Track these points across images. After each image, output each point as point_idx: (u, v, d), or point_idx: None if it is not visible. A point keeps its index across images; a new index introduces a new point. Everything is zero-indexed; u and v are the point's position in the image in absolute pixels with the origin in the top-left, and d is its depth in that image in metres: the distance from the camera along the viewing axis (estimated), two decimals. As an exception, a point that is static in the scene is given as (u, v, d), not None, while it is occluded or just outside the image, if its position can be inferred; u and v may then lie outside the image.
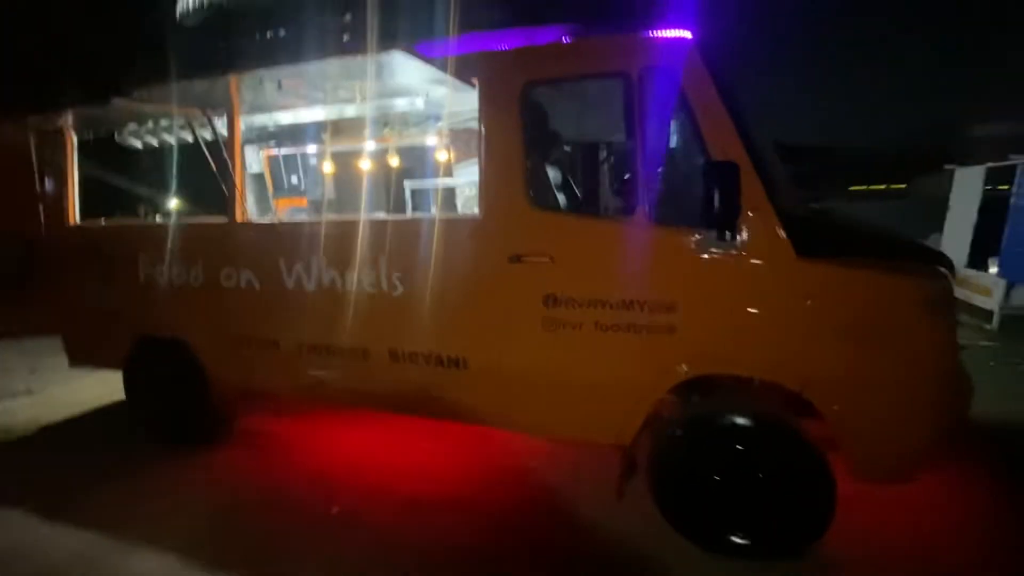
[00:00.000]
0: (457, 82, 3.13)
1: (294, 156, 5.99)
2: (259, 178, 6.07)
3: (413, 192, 5.51)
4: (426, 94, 3.83)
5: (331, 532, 3.14)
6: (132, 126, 4.32)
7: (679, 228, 2.65)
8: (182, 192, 6.29)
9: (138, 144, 4.47)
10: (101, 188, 4.86)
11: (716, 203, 2.38)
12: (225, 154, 3.65)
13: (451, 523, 3.19)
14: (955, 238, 8.34)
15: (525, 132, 2.89)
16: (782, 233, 2.48)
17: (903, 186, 21.27)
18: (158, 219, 4.46)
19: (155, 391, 4.24)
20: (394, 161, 5.56)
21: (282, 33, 3.49)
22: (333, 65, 2.92)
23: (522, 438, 4.12)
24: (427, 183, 5.36)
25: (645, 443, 2.91)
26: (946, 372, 2.47)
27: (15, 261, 4.58)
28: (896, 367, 2.42)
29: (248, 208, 5.96)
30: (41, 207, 4.55)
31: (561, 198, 3.11)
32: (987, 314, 7.22)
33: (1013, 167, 7.00)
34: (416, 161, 5.73)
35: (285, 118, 4.48)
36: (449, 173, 5.36)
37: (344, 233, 3.37)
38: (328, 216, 3.50)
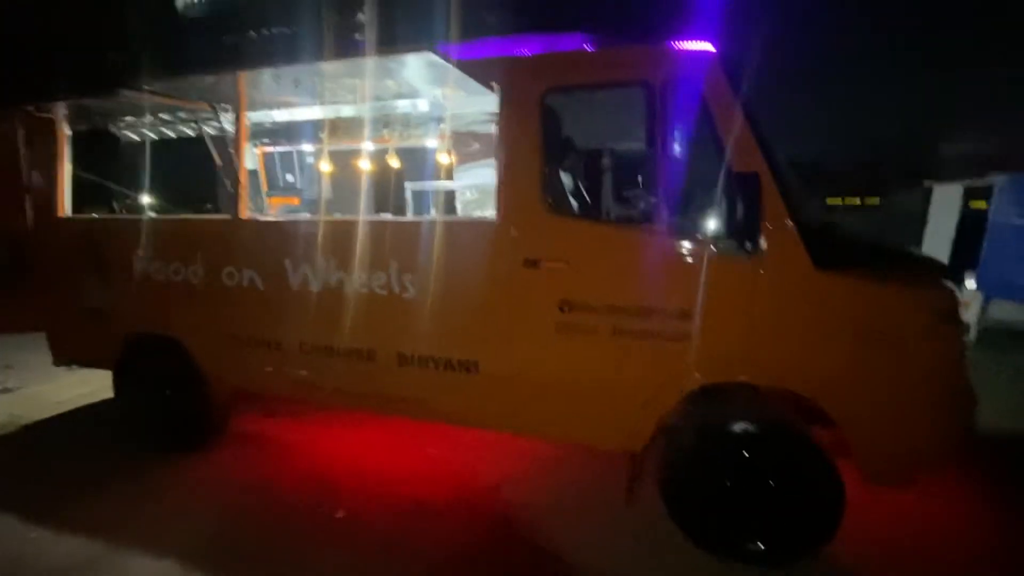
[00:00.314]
0: (472, 85, 3.13)
1: (290, 154, 5.91)
2: (253, 175, 5.97)
3: (414, 194, 5.47)
4: (433, 96, 3.82)
5: (334, 536, 3.09)
6: (129, 119, 4.21)
7: (697, 237, 2.69)
8: (167, 188, 6.17)
9: (135, 137, 4.36)
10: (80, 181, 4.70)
11: (738, 213, 2.41)
12: (230, 149, 3.58)
13: (455, 528, 3.16)
14: (934, 252, 8.60)
15: (544, 137, 2.90)
16: (801, 244, 2.53)
17: (877, 200, 21.86)
18: (154, 214, 4.34)
19: (147, 391, 4.12)
20: (394, 162, 5.52)
21: (289, 30, 3.45)
22: (356, 64, 2.89)
23: (526, 442, 4.12)
24: (428, 185, 5.33)
25: (656, 450, 2.93)
26: (955, 380, 2.55)
27: (1, 255, 4.41)
28: (908, 376, 2.49)
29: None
30: (28, 200, 4.40)
31: (579, 204, 3.12)
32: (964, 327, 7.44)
33: (991, 185, 7.26)
34: (415, 163, 5.70)
35: (284, 115, 4.42)
36: (450, 176, 5.34)
37: (354, 233, 3.33)
38: (338, 215, 3.44)
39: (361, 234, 3.30)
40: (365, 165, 5.24)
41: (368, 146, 5.27)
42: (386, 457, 4.05)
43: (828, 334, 2.56)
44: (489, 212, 5.20)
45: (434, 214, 5.32)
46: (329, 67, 3.00)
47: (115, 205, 4.79)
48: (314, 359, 3.53)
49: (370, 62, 2.90)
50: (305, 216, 3.68)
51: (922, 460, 2.59)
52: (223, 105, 3.62)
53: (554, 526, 3.16)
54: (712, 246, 2.64)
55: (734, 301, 2.65)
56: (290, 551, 2.97)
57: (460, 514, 3.30)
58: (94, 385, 5.72)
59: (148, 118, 4.18)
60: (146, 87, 3.27)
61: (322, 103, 4.01)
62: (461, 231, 3.16)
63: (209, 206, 5.73)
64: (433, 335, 3.22)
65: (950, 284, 2.65)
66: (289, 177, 5.88)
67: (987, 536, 3.04)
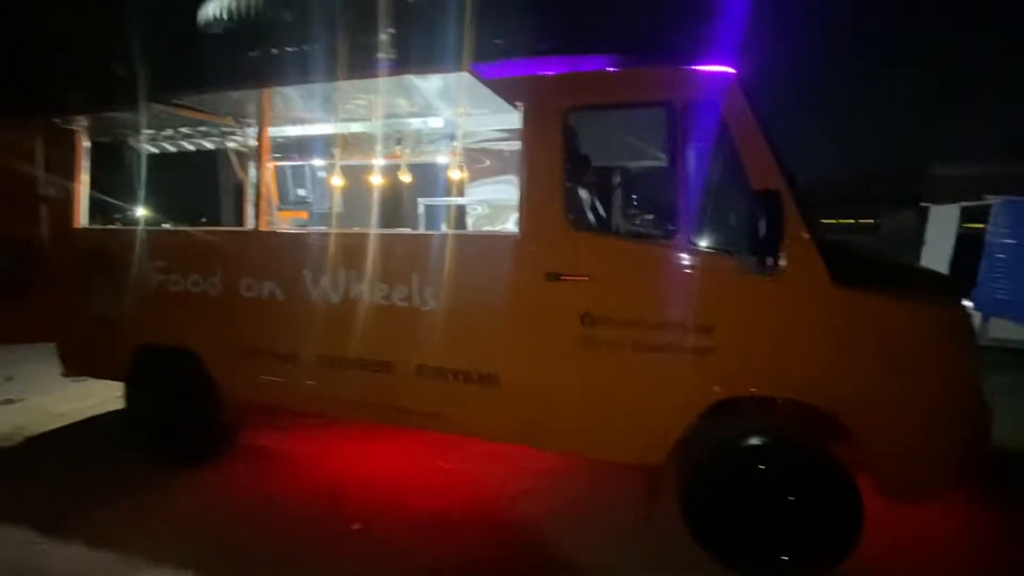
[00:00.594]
0: (485, 104, 3.20)
1: (301, 168, 5.97)
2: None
3: (426, 209, 5.53)
4: (447, 114, 3.89)
5: (350, 548, 3.08)
6: (150, 132, 4.26)
7: (718, 253, 2.75)
8: (162, 200, 6.20)
9: (154, 150, 4.40)
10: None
11: (760, 230, 2.47)
12: (248, 163, 3.63)
13: (471, 542, 3.17)
14: (931, 272, 8.72)
15: (566, 155, 2.97)
16: (820, 261, 2.59)
17: (872, 221, 22.15)
18: (172, 226, 4.38)
19: (159, 402, 4.11)
20: (405, 177, 5.59)
21: (312, 47, 3.51)
22: (384, 82, 2.96)
23: (537, 455, 4.13)
24: (441, 201, 5.39)
25: (675, 464, 2.96)
26: (971, 396, 2.60)
27: (14, 265, 4.40)
28: (926, 391, 2.54)
29: (248, 219, 5.95)
30: (44, 210, 4.42)
31: (601, 220, 3.18)
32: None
33: (987, 206, 7.41)
34: (426, 178, 5.77)
35: (299, 131, 4.49)
36: (461, 192, 5.41)
37: (375, 246, 3.37)
38: (358, 229, 3.49)
39: (383, 247, 3.34)
40: (377, 180, 5.31)
41: (380, 161, 5.34)
42: (398, 470, 4.05)
43: (847, 349, 2.61)
44: (499, 226, 5.33)
45: (450, 228, 5.37)
46: (356, 84, 3.07)
47: (115, 216, 4.83)
48: (332, 371, 3.54)
49: (400, 80, 2.97)
50: (326, 229, 3.72)
51: (939, 475, 2.63)
52: (247, 120, 3.67)
53: (568, 540, 3.17)
54: (733, 262, 2.70)
55: (754, 316, 2.71)
56: (306, 563, 2.96)
57: (476, 527, 3.30)
58: (97, 397, 5.69)
59: (168, 131, 4.23)
60: (175, 101, 3.33)
61: (341, 119, 4.08)
62: (483, 245, 3.20)
63: (204, 219, 5.74)
64: (453, 348, 3.25)
65: (965, 301, 2.72)
66: (300, 191, 5.94)
67: (995, 548, 3.08)
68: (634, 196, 3.07)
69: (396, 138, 5.10)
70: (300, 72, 3.23)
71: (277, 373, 3.71)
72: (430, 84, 3.09)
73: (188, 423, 4.04)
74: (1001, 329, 7.24)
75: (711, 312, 2.76)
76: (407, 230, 4.14)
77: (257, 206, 3.66)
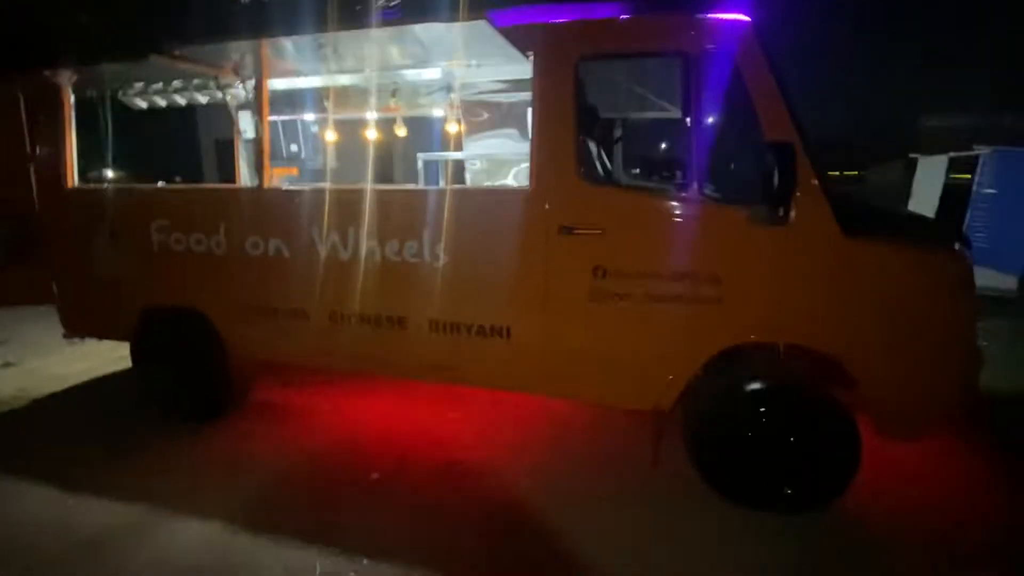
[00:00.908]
0: (483, 54, 3.11)
1: (293, 123, 5.82)
2: (255, 144, 5.87)
3: (425, 164, 5.45)
4: (443, 64, 3.81)
5: (375, 499, 3.19)
6: (139, 86, 4.11)
7: (729, 204, 2.79)
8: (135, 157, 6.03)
9: (143, 104, 4.26)
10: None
11: (773, 181, 2.51)
12: (253, 117, 3.55)
13: (492, 487, 3.30)
14: (916, 223, 8.87)
15: (578, 106, 2.95)
16: (830, 212, 2.65)
17: (856, 173, 22.34)
18: (175, 183, 4.29)
19: (168, 362, 4.12)
20: (401, 132, 5.49)
21: None
22: (392, 31, 2.87)
23: (537, 404, 4.27)
24: (440, 156, 5.32)
25: (683, 408, 3.08)
26: (968, 341, 2.73)
27: (10, 228, 4.30)
28: (930, 336, 2.66)
29: (242, 175, 5.83)
30: (32, 170, 4.29)
31: (613, 172, 3.19)
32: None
33: (975, 157, 7.51)
34: (422, 132, 5.67)
35: (296, 83, 4.36)
36: (459, 146, 5.34)
37: (385, 202, 3.36)
38: (369, 184, 3.46)
39: (392, 203, 3.33)
40: (371, 134, 5.21)
41: (373, 115, 5.23)
42: (408, 422, 4.15)
43: (854, 297, 2.71)
44: (498, 181, 5.29)
45: (448, 183, 5.32)
46: (362, 34, 2.98)
47: (92, 174, 4.72)
48: (343, 328, 3.57)
49: (405, 30, 2.89)
50: (335, 185, 3.67)
51: (936, 415, 2.78)
52: (246, 73, 3.56)
53: (588, 479, 3.33)
54: (743, 213, 2.74)
55: (764, 266, 2.78)
56: (333, 513, 3.06)
57: (493, 473, 3.43)
58: (95, 359, 5.68)
59: (159, 85, 4.08)
60: (176, 52, 3.21)
61: (339, 71, 3.97)
62: (494, 199, 3.21)
63: (178, 178, 5.58)
64: (466, 302, 3.30)
65: (965, 251, 2.82)
66: (293, 147, 5.80)
67: (983, 490, 3.28)
68: (647, 148, 3.07)
69: (391, 90, 4.99)
70: (301, 21, 3.12)
71: (286, 330, 3.74)
72: (433, 33, 3.02)
73: (197, 381, 4.07)
74: (987, 278, 7.46)
75: (721, 262, 2.83)
76: (417, 186, 4.10)
77: (259, 162, 3.59)
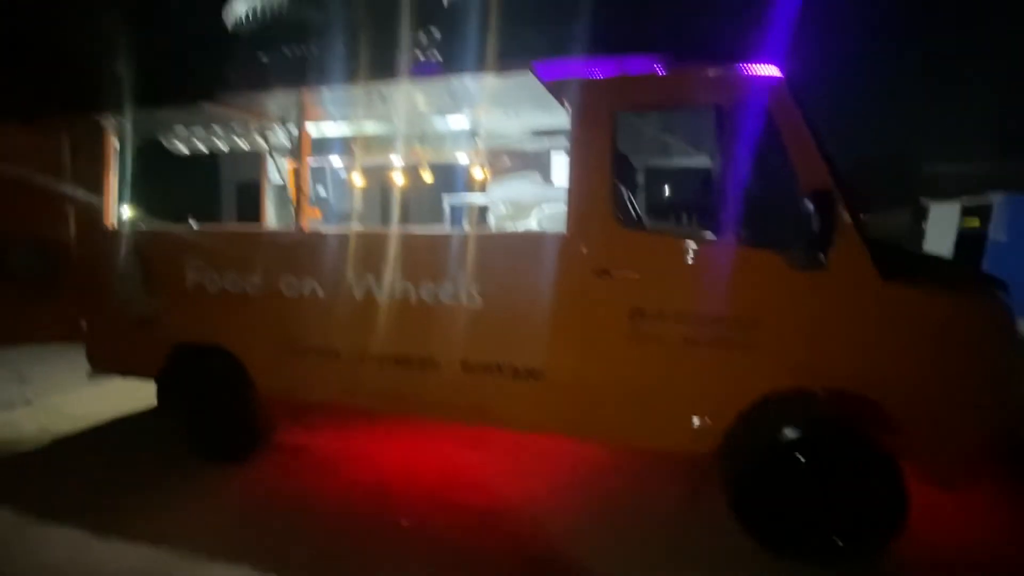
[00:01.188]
0: (508, 104, 3.21)
1: (321, 168, 5.98)
2: (283, 189, 6.03)
3: (452, 208, 5.57)
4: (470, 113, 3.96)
5: (407, 547, 3.11)
6: (181, 131, 4.27)
7: (766, 249, 2.83)
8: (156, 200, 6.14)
9: (185, 150, 4.41)
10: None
11: (812, 228, 2.56)
12: (293, 162, 3.66)
13: (526, 532, 3.23)
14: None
15: (615, 154, 3.04)
16: (868, 256, 2.69)
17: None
18: (209, 226, 4.38)
19: (195, 401, 4.12)
20: (427, 176, 5.64)
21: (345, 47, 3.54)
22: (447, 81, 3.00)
23: (569, 447, 4.22)
24: (466, 199, 5.44)
25: (723, 454, 3.04)
26: (1013, 386, 2.71)
27: (42, 265, 4.39)
28: (973, 381, 2.65)
29: (269, 219, 5.97)
30: (72, 210, 4.41)
31: (650, 217, 3.26)
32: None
33: (987, 204, 7.60)
34: (446, 177, 5.82)
35: (322, 131, 4.52)
36: (483, 190, 5.47)
37: (421, 245, 3.42)
38: (405, 228, 3.54)
39: (429, 246, 3.39)
40: (398, 179, 5.35)
41: (399, 161, 5.39)
42: (433, 465, 4.09)
43: (895, 341, 2.71)
44: (521, 223, 5.39)
45: (472, 226, 5.42)
46: (406, 85, 3.12)
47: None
48: (375, 368, 3.58)
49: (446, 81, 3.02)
50: (371, 228, 3.76)
51: (981, 462, 2.74)
52: (288, 119, 3.71)
53: (609, 532, 3.24)
54: (780, 258, 2.78)
55: (803, 310, 2.80)
56: (366, 559, 2.99)
57: (526, 519, 3.36)
58: (115, 398, 5.67)
59: (201, 131, 4.24)
60: (227, 101, 3.35)
61: (376, 119, 4.12)
62: (531, 243, 3.26)
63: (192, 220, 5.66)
64: (500, 344, 3.31)
65: (1005, 296, 2.83)
66: (320, 191, 5.94)
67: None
68: (682, 194, 3.14)
69: (418, 137, 5.16)
70: (350, 72, 3.27)
71: (317, 370, 3.75)
72: (476, 84, 3.15)
73: (224, 421, 4.06)
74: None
75: (759, 307, 2.85)
76: (453, 229, 4.18)
77: (298, 205, 3.68)
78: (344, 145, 5.42)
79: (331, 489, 3.73)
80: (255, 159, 5.38)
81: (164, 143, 4.38)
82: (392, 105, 3.62)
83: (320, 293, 3.65)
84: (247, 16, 3.99)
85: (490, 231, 3.54)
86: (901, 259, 2.96)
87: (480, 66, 2.76)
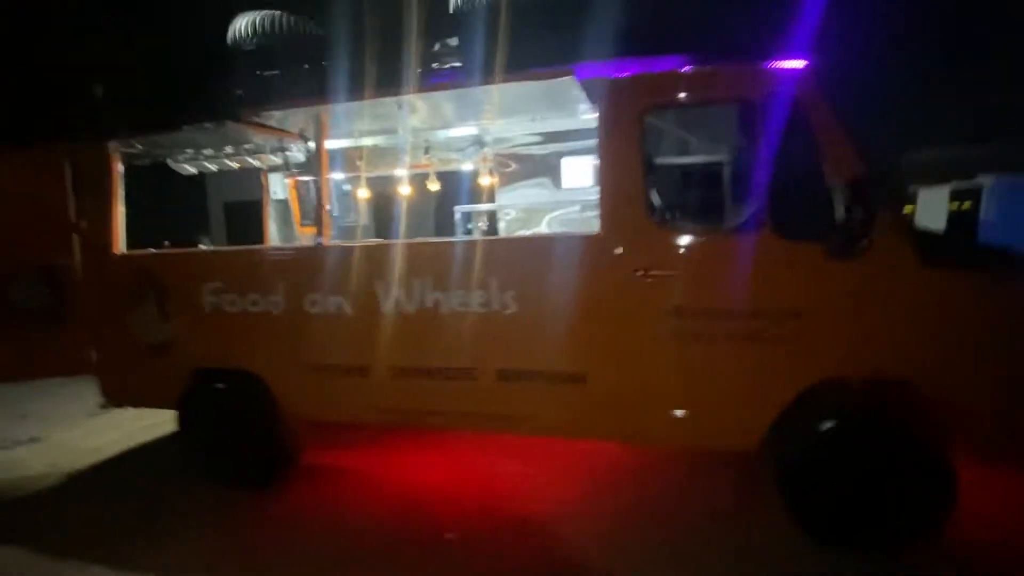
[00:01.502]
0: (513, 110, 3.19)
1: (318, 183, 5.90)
2: (284, 205, 5.94)
3: (463, 216, 5.53)
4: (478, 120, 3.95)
5: (457, 560, 3.06)
6: (189, 152, 4.18)
7: (804, 241, 2.84)
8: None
9: (192, 170, 4.32)
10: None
11: (853, 218, 2.57)
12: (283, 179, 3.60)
13: (573, 540, 3.19)
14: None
15: (646, 153, 3.04)
16: (907, 243, 2.71)
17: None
18: (229, 247, 4.29)
19: (217, 427, 4.00)
20: (433, 186, 5.59)
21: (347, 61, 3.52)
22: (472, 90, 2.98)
23: (600, 451, 4.19)
24: (476, 208, 5.40)
25: (771, 447, 3.03)
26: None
27: (47, 296, 4.23)
28: (1014, 360, 2.67)
29: (271, 235, 5.87)
30: (77, 237, 4.28)
31: (685, 214, 3.25)
32: None
33: (977, 188, 7.77)
34: (452, 186, 5.78)
35: (340, 144, 4.47)
36: (492, 198, 5.44)
37: (450, 254, 3.38)
38: (433, 238, 3.49)
39: (458, 254, 3.35)
40: (404, 190, 5.30)
41: (405, 172, 5.34)
42: (466, 478, 4.03)
43: (937, 326, 2.73)
44: (532, 229, 5.37)
45: (481, 234, 5.39)
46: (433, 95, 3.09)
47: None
48: (409, 382, 3.52)
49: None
50: (396, 240, 3.71)
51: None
52: (306, 136, 3.65)
53: (669, 525, 3.24)
54: (818, 249, 2.79)
55: (844, 299, 2.81)
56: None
57: (571, 526, 3.32)
58: (122, 430, 5.52)
59: (209, 151, 4.15)
60: (253, 119, 3.29)
61: (386, 132, 4.08)
62: (564, 245, 3.24)
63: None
64: (537, 350, 3.28)
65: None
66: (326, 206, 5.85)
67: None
68: (715, 190, 3.15)
69: (424, 148, 5.13)
70: (362, 86, 3.23)
71: (347, 388, 3.68)
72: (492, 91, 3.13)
73: (250, 446, 3.95)
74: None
75: (800, 298, 2.86)
76: (486, 236, 4.15)
77: (319, 220, 3.62)
78: (346, 157, 5.36)
79: (367, 508, 3.66)
80: (242, 178, 5.28)
81: (171, 165, 4.28)
82: (413, 115, 3.58)
83: (347, 309, 3.58)
84: (253, 33, 3.93)
85: (519, 236, 3.50)
86: (937, 243, 3.00)
87: (510, 72, 2.74)
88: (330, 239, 3.69)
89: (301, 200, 5.97)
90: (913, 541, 2.83)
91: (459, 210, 5.31)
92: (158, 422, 5.55)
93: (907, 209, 7.46)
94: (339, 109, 3.27)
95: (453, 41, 3.25)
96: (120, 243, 4.18)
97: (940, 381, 2.75)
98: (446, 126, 4.01)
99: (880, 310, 2.79)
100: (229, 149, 4.10)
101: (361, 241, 4.19)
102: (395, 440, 4.64)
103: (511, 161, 5.39)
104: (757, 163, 2.86)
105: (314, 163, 3.66)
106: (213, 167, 4.30)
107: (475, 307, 3.33)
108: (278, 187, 5.90)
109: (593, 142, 4.65)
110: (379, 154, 5.16)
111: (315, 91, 3.34)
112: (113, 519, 3.71)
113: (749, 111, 2.87)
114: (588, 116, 4.00)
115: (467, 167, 5.65)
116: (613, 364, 3.16)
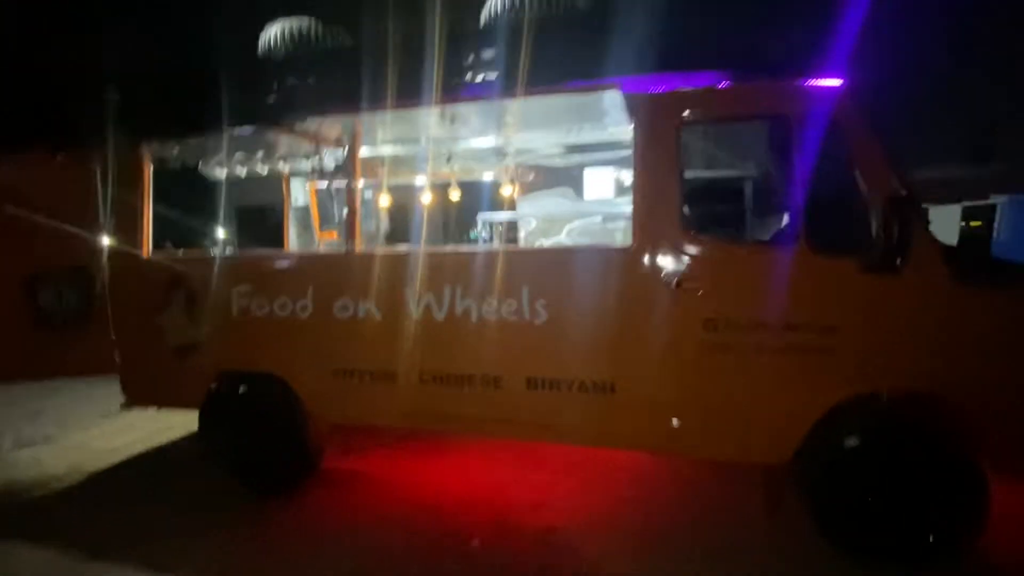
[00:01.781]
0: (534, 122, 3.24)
1: (343, 189, 5.94)
2: (305, 211, 5.99)
3: (484, 224, 5.57)
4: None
5: (483, 567, 3.06)
6: (220, 156, 4.22)
7: (838, 255, 2.87)
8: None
9: (221, 175, 4.36)
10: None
11: (893, 234, 2.60)
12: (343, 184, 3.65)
13: (599, 547, 3.20)
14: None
15: (681, 167, 3.08)
16: (941, 259, 2.74)
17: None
18: (256, 251, 4.33)
19: (241, 430, 4.01)
20: (455, 195, 5.64)
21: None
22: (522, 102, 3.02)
23: (622, 461, 4.20)
24: (499, 216, 5.44)
25: (801, 461, 3.04)
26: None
27: (76, 297, 4.27)
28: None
29: (292, 241, 5.91)
30: (105, 240, 4.31)
31: (720, 228, 3.29)
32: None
33: (990, 206, 7.84)
34: (472, 194, 5.83)
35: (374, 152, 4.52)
36: (512, 206, 5.49)
37: (481, 262, 3.41)
38: (466, 247, 3.53)
39: (491, 263, 3.38)
40: (427, 198, 5.35)
41: (423, 180, 5.40)
42: (489, 486, 4.03)
43: (970, 341, 2.75)
44: (552, 239, 5.41)
45: (502, 242, 5.43)
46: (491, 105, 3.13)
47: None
48: (437, 388, 3.54)
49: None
50: (429, 248, 3.74)
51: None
52: (342, 143, 3.69)
53: (687, 543, 3.23)
54: (853, 264, 2.82)
55: (878, 314, 2.83)
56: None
57: (597, 534, 3.33)
58: (139, 431, 5.53)
59: (240, 155, 4.20)
60: (293, 126, 3.33)
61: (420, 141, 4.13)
62: (597, 256, 3.27)
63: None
64: (567, 360, 3.29)
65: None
66: (345, 212, 5.89)
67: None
68: (750, 204, 3.18)
69: (446, 157, 5.18)
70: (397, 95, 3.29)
71: (375, 393, 3.69)
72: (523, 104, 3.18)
73: (275, 449, 3.96)
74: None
75: (833, 312, 2.88)
76: (513, 246, 4.18)
77: (351, 227, 3.66)
78: (367, 165, 5.41)
79: (390, 513, 3.66)
80: (256, 183, 5.33)
81: (201, 169, 4.32)
82: (452, 125, 3.62)
83: (376, 315, 3.60)
84: (285, 42, 3.99)
85: (552, 246, 3.54)
86: (968, 260, 3.03)
87: (551, 84, 2.78)
88: (360, 245, 3.70)
89: (321, 206, 6.03)
90: (942, 556, 2.83)
91: (482, 218, 5.35)
92: (173, 424, 5.57)
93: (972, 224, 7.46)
94: (377, 118, 3.31)
95: (488, 54, 3.28)
96: (148, 247, 4.22)
97: (972, 395, 2.77)
98: (477, 136, 4.04)
99: (912, 325, 2.81)
100: (261, 154, 4.15)
101: (394, 248, 4.21)
102: (412, 445, 4.65)
103: (532, 171, 5.44)
104: (793, 178, 2.89)
105: (347, 170, 3.68)
106: (243, 172, 4.35)
107: (506, 315, 3.36)
108: (299, 193, 5.96)
109: (617, 154, 4.77)
110: (400, 162, 5.21)
111: (350, 100, 3.36)
112: (141, 520, 3.71)
113: (786, 127, 2.90)
114: (615, 129, 4.05)
115: (487, 176, 5.72)
116: (643, 375, 3.17)
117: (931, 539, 2.80)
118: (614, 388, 3.23)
